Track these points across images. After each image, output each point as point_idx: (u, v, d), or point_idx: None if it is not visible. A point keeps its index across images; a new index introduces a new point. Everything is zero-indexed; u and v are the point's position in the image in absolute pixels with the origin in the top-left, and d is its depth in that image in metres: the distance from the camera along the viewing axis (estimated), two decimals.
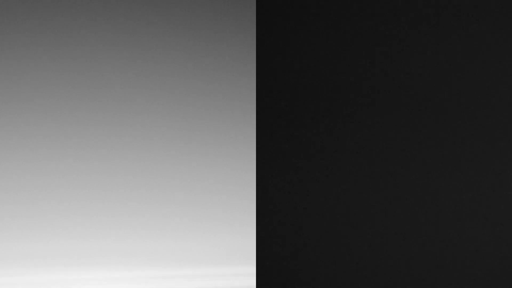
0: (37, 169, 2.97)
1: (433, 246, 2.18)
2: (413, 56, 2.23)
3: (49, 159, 2.98)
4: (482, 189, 2.11)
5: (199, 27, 3.20)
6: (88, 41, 3.05)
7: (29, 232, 2.92)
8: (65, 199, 2.99)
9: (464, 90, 2.15)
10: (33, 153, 2.98)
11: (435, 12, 2.20)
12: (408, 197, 2.23)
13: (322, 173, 2.38)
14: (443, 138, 2.18)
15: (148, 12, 3.13)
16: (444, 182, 2.17)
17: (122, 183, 3.05)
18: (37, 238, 2.91)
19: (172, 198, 3.11)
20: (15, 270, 2.86)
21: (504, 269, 2.06)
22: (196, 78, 3.19)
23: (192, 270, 3.07)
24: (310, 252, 2.40)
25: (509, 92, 2.08)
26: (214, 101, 3.20)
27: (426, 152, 2.21)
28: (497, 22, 2.11)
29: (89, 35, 3.04)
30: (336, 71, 2.37)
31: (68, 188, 2.99)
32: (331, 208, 2.36)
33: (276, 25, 2.50)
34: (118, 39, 3.09)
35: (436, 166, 2.18)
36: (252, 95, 3.12)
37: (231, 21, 3.22)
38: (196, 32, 3.19)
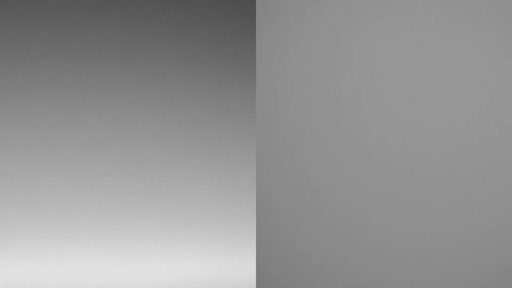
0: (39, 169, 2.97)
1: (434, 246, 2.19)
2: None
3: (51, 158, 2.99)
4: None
5: (198, 27, 3.20)
6: (89, 41, 3.05)
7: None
8: (69, 199, 2.99)
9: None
10: (34, 153, 2.98)
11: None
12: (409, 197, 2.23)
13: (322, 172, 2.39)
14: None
15: (149, 13, 3.14)
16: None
17: (124, 182, 3.06)
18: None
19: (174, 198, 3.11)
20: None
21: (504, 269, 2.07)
22: (196, 78, 3.19)
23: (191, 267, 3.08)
24: (309, 252, 2.40)
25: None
26: (215, 100, 3.21)
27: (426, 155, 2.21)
28: None
29: (89, 35, 3.04)
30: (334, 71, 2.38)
31: (70, 188, 2.99)
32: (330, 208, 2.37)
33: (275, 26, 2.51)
34: (118, 41, 3.09)
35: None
36: (252, 94, 3.13)
37: (230, 21, 3.23)
38: (196, 32, 3.20)
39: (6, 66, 2.94)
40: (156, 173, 3.13)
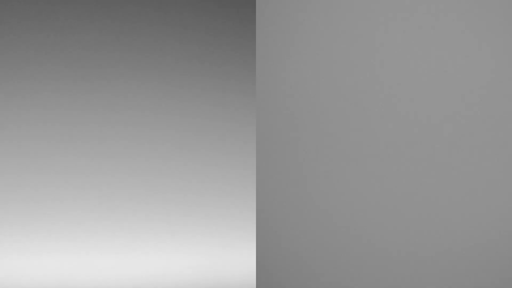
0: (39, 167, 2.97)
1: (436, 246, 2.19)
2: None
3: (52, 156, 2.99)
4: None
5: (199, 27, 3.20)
6: (89, 41, 3.06)
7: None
8: (68, 197, 3.00)
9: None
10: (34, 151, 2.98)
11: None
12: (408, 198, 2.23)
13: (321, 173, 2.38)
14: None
15: (149, 13, 3.14)
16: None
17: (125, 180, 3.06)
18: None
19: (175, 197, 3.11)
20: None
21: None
22: (196, 76, 3.19)
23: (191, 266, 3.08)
24: (309, 252, 2.40)
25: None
26: (216, 97, 3.21)
27: (425, 155, 2.21)
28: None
29: (89, 36, 3.05)
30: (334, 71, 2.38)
31: (70, 186, 3.00)
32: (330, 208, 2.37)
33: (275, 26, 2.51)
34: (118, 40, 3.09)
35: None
36: (252, 93, 3.13)
37: (230, 21, 3.23)
38: (196, 32, 3.20)
39: (6, 65, 2.94)
40: (155, 170, 3.12)
